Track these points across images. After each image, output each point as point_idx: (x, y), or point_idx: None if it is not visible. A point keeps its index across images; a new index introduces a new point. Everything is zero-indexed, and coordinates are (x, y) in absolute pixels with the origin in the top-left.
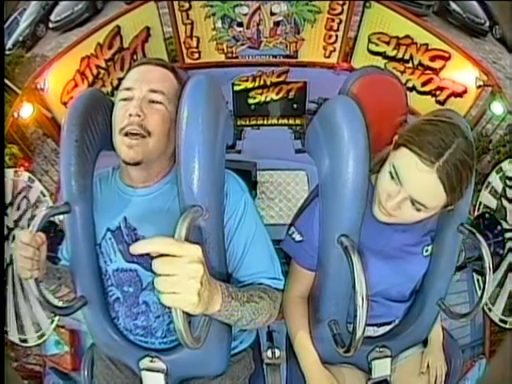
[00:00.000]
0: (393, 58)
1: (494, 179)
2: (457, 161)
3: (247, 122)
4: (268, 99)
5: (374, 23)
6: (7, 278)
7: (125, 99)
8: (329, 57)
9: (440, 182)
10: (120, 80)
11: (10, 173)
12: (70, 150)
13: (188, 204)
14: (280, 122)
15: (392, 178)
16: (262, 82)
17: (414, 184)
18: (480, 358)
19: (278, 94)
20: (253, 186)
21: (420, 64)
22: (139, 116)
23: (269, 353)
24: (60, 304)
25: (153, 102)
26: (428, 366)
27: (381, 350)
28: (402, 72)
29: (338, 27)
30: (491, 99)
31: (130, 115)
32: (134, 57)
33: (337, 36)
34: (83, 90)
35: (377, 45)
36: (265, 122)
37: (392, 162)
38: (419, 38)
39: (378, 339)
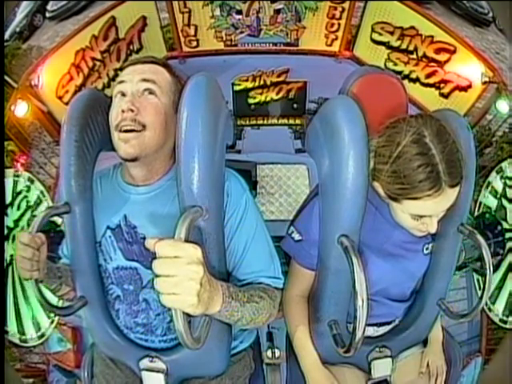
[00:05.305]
0: (396, 49)
1: (494, 179)
2: (448, 156)
3: (247, 122)
4: (268, 99)
5: (377, 12)
6: (7, 278)
7: (119, 95)
8: (330, 45)
9: (456, 187)
10: (116, 71)
11: (10, 173)
12: (70, 150)
13: (188, 204)
14: (280, 121)
15: (417, 220)
16: (261, 82)
17: (440, 210)
18: (476, 355)
19: (278, 93)
20: (253, 185)
21: (424, 56)
22: (132, 111)
23: (269, 353)
24: (60, 303)
25: (145, 92)
26: (428, 365)
27: (381, 349)
28: (406, 63)
29: (341, 15)
30: (497, 97)
31: (123, 111)
32: (131, 47)
33: (339, 24)
34: (79, 83)
35: (380, 34)
36: (265, 121)
37: (408, 212)
38: (424, 30)
39: (378, 339)
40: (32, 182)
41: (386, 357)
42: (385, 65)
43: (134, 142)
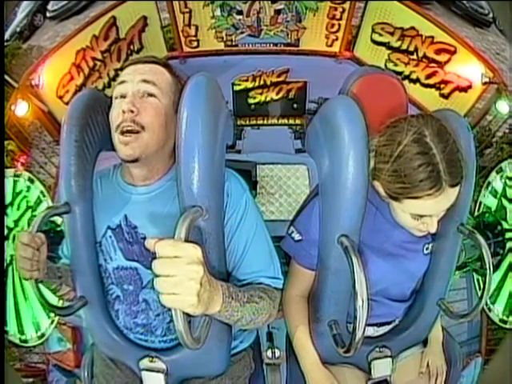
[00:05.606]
0: (397, 49)
1: (494, 179)
2: (448, 156)
3: (247, 122)
4: (268, 99)
5: (377, 13)
6: (7, 277)
7: (119, 96)
8: (331, 46)
9: (456, 186)
10: (117, 71)
11: (10, 173)
12: (70, 150)
13: (188, 204)
14: (280, 121)
15: (417, 219)
16: (261, 82)
17: (440, 210)
18: (476, 355)
19: (278, 93)
20: (253, 185)
21: (425, 56)
22: (132, 112)
23: (269, 353)
24: (60, 303)
25: (146, 95)
26: (428, 365)
27: (381, 349)
28: (406, 63)
29: (341, 16)
30: (497, 97)
31: (124, 112)
32: (131, 47)
33: (339, 25)
34: (79, 83)
35: (380, 35)
36: (265, 121)
37: (408, 212)
38: (424, 31)
39: (378, 339)
40: (32, 181)
41: (386, 357)
42: (385, 65)
43: (133, 144)
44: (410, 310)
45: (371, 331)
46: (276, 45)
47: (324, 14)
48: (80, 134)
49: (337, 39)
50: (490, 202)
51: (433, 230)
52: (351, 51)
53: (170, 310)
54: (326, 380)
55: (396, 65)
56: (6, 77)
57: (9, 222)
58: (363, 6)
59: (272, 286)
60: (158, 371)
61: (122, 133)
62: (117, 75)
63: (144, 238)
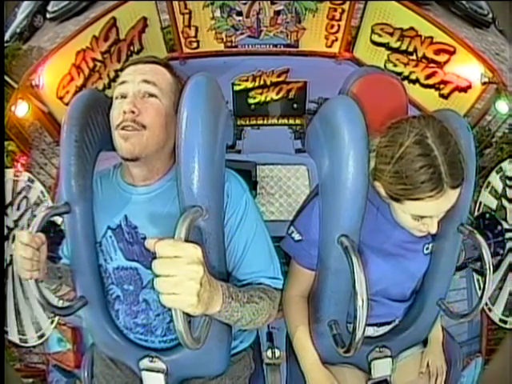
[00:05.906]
0: (396, 50)
1: (494, 179)
2: (450, 158)
3: (247, 122)
4: (268, 99)
5: (377, 14)
6: (7, 277)
7: (120, 96)
8: (330, 46)
9: (457, 188)
10: (117, 72)
11: (9, 173)
12: (70, 150)
13: (188, 204)
14: (280, 121)
15: (418, 220)
16: (261, 82)
17: (441, 211)
18: (476, 355)
19: (278, 93)
20: (253, 185)
21: (424, 57)
22: (133, 112)
23: (269, 353)
24: (60, 304)
25: (146, 95)
26: (428, 365)
27: (381, 349)
28: (406, 64)
29: (341, 17)
30: (496, 97)
31: (125, 112)
32: (131, 48)
33: (339, 26)
34: (79, 84)
35: (380, 36)
36: (265, 121)
37: (409, 213)
38: (424, 31)
39: (378, 339)
40: (32, 182)
41: (386, 357)
42: (384, 66)
43: (133, 140)
44: (410, 309)
45: (371, 331)
46: (276, 46)
47: (323, 14)
48: (80, 133)
49: (336, 40)
50: (490, 202)
51: (433, 230)
52: (351, 52)
53: (170, 309)
54: (326, 380)
55: (395, 65)
56: (6, 77)
57: (9, 222)
58: (362, 7)
59: (272, 286)
60: (158, 371)
61: (123, 128)
62: (117, 76)
63: (144, 238)
